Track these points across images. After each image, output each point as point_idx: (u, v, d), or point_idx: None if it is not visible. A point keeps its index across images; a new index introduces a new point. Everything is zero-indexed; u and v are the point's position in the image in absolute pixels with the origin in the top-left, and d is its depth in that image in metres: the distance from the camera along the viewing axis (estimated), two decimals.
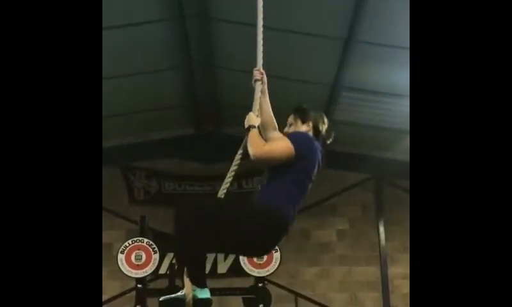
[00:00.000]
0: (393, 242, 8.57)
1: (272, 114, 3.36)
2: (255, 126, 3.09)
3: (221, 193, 3.08)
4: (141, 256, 6.67)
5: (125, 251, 6.65)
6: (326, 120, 3.26)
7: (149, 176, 8.91)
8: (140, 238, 6.78)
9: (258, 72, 3.25)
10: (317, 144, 3.14)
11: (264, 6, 3.38)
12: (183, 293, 2.84)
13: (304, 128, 3.21)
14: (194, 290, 2.79)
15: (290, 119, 3.28)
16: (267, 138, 3.26)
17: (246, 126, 3.11)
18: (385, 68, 6.14)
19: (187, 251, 2.87)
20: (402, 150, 7.78)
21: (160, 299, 2.91)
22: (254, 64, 3.30)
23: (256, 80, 3.24)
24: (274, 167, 3.02)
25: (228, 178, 3.10)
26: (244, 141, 3.12)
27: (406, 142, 7.53)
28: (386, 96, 6.74)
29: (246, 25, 5.18)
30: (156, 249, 6.69)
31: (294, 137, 3.07)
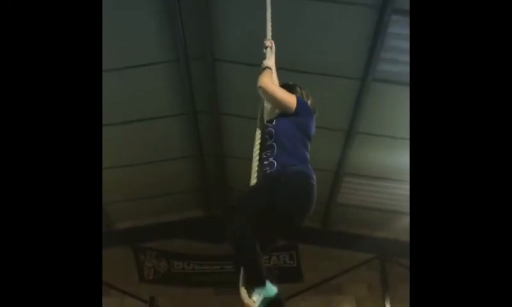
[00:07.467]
0: None
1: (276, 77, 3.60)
2: (270, 68, 3.41)
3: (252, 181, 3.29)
4: None
5: None
6: (310, 96, 3.50)
7: (159, 256, 9.07)
8: None
9: (268, 41, 3.66)
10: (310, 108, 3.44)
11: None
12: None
13: None
14: (259, 294, 2.82)
15: None
16: None
17: (263, 67, 3.41)
18: (383, 156, 6.59)
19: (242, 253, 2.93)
20: (402, 230, 8.12)
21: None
22: None
23: (266, 47, 3.63)
24: (278, 133, 3.19)
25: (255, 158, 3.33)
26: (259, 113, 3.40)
27: (405, 222, 7.91)
28: (385, 181, 7.16)
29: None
30: None
31: (297, 97, 3.33)
